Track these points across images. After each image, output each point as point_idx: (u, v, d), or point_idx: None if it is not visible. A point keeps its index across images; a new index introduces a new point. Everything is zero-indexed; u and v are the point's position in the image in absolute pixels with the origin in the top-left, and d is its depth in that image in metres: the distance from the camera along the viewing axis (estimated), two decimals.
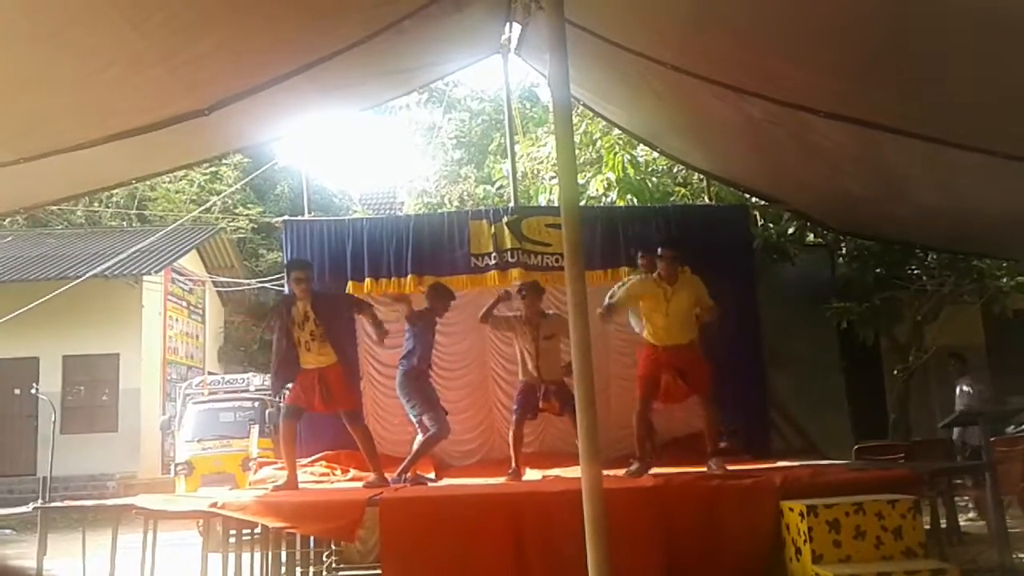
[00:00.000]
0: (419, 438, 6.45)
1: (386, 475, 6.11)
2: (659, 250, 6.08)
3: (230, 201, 20.85)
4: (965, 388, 8.92)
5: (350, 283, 8.02)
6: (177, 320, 17.71)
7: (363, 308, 6.55)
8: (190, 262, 18.31)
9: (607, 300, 6.16)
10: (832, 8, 4.27)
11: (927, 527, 4.92)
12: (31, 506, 5.79)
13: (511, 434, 6.50)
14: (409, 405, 6.49)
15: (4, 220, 17.95)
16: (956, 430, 8.23)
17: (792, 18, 4.49)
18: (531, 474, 6.59)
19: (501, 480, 6.30)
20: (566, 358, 6.16)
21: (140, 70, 4.54)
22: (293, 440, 6.19)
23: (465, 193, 14.08)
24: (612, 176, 9.56)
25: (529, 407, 6.50)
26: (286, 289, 8.19)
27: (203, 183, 21.38)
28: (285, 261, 8.33)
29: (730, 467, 5.92)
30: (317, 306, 6.16)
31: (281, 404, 10.87)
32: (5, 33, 3.81)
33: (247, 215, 20.71)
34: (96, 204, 20.56)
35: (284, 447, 6.17)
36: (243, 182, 18.71)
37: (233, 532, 5.28)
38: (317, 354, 6.07)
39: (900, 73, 4.57)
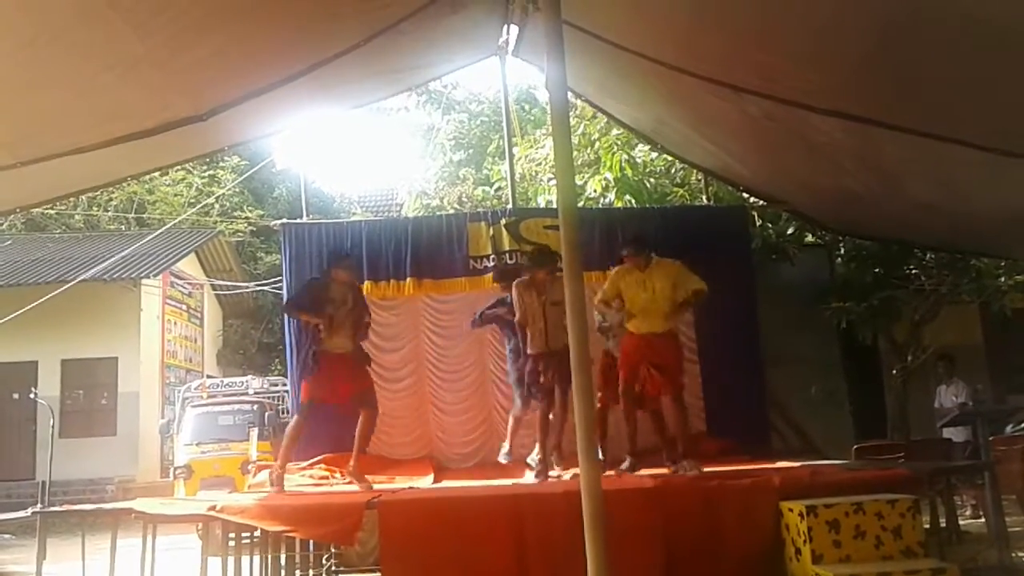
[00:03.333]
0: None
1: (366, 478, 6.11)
2: (623, 251, 6.14)
3: (228, 204, 20.83)
4: (953, 395, 8.92)
5: None
6: (175, 323, 17.69)
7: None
8: (188, 265, 18.30)
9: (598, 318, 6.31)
10: (829, 5, 4.28)
11: (927, 526, 4.91)
12: (30, 511, 5.75)
13: (540, 425, 6.25)
14: None
15: (1, 221, 17.93)
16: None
17: (789, 16, 4.50)
18: (530, 475, 6.56)
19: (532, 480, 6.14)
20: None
21: (139, 74, 4.54)
22: (298, 439, 6.24)
23: (464, 195, 14.08)
24: (610, 176, 9.56)
25: (544, 387, 6.22)
26: (283, 291, 8.24)
27: (201, 186, 21.35)
28: (284, 264, 8.32)
29: (729, 467, 5.93)
30: (355, 293, 6.32)
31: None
32: (6, 36, 3.81)
33: (245, 218, 20.67)
34: (94, 208, 20.54)
35: (287, 443, 6.16)
36: (240, 180, 18.68)
37: (232, 535, 5.27)
38: (346, 338, 6.14)
39: (899, 69, 4.57)
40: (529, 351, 6.36)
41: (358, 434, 6.21)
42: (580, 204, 9.42)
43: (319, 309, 6.08)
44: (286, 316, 6.39)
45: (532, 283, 6.33)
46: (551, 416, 6.28)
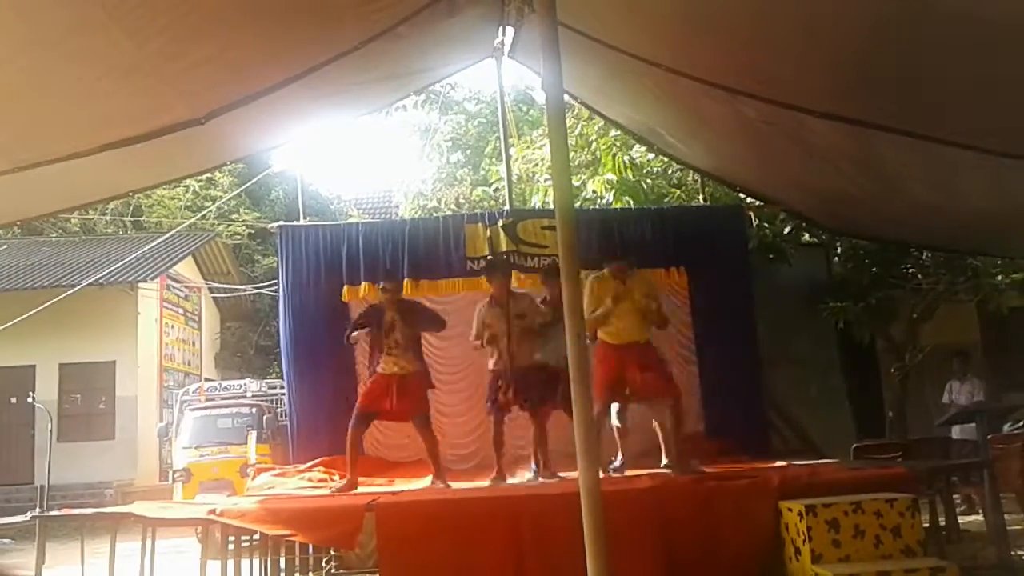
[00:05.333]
0: None
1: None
2: (611, 263, 6.10)
3: (225, 207, 20.81)
4: (968, 393, 8.90)
5: (346, 287, 8.02)
6: (173, 327, 17.66)
7: (436, 323, 6.55)
8: (186, 268, 18.27)
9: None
10: (825, 7, 4.29)
11: (926, 525, 4.92)
12: (29, 515, 5.76)
13: (491, 437, 6.37)
14: None
15: (1, 231, 17.90)
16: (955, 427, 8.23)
17: (785, 17, 4.50)
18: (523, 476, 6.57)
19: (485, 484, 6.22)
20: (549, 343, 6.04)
21: (136, 79, 4.54)
22: (357, 446, 6.30)
23: (461, 196, 14.07)
24: (612, 177, 9.57)
25: (498, 403, 6.29)
26: (280, 295, 8.25)
27: (198, 189, 21.32)
28: (280, 267, 8.33)
29: (728, 467, 5.93)
30: (403, 315, 6.29)
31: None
32: (7, 42, 3.81)
33: (242, 221, 20.65)
34: (91, 212, 20.44)
35: (349, 452, 6.23)
36: (240, 190, 18.68)
37: (232, 539, 5.26)
38: (399, 360, 6.20)
39: (895, 71, 4.58)
40: (492, 367, 6.41)
41: (429, 457, 6.35)
42: (578, 205, 9.43)
43: (376, 338, 6.26)
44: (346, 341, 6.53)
45: (495, 299, 6.35)
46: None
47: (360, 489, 6.27)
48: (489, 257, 7.56)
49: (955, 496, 7.11)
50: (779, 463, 6.43)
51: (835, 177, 6.86)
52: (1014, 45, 3.82)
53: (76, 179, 5.65)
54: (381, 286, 6.49)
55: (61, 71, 4.22)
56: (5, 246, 18.49)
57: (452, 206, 13.73)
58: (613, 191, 9.59)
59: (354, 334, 6.42)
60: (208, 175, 21.13)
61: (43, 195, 6.11)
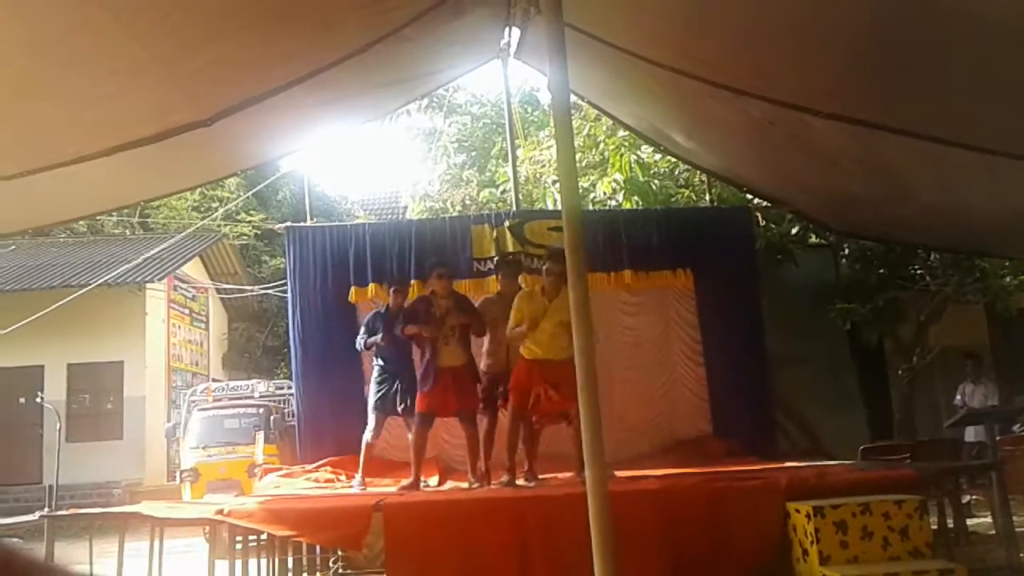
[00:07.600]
0: None
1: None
2: (544, 265, 5.84)
3: (232, 208, 20.87)
4: (982, 396, 8.84)
5: (353, 288, 8.04)
6: (180, 327, 17.72)
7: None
8: (193, 269, 18.32)
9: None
10: (830, 8, 4.28)
11: (934, 527, 4.90)
12: (37, 515, 5.79)
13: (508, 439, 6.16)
14: None
15: (12, 238, 17.97)
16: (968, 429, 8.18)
17: (790, 19, 4.49)
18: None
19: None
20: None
21: (142, 81, 4.55)
22: (423, 448, 6.14)
23: (468, 197, 14.07)
24: (620, 177, 9.56)
25: (494, 403, 6.21)
26: (288, 296, 8.26)
27: (205, 191, 21.38)
28: (288, 267, 8.35)
29: (735, 468, 5.92)
30: (457, 304, 6.13)
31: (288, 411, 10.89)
32: (5, 43, 3.82)
33: (249, 221, 20.70)
34: None
35: (414, 455, 6.10)
36: (249, 194, 18.72)
37: (240, 538, 5.28)
38: (454, 351, 6.02)
39: (898, 72, 4.57)
40: (490, 368, 6.28)
41: (469, 455, 6.13)
42: (588, 206, 9.43)
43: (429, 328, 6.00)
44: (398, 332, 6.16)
45: (504, 298, 6.25)
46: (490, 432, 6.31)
47: (367, 490, 6.28)
48: (502, 256, 7.52)
49: (974, 498, 7.09)
50: (787, 464, 6.42)
51: (840, 178, 6.85)
52: (1015, 45, 3.81)
53: (87, 187, 5.66)
54: (438, 274, 6.21)
55: (65, 72, 4.23)
56: (13, 247, 18.55)
57: (459, 207, 13.74)
58: (623, 191, 9.59)
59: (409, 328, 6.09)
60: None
61: (52, 204, 6.13)
